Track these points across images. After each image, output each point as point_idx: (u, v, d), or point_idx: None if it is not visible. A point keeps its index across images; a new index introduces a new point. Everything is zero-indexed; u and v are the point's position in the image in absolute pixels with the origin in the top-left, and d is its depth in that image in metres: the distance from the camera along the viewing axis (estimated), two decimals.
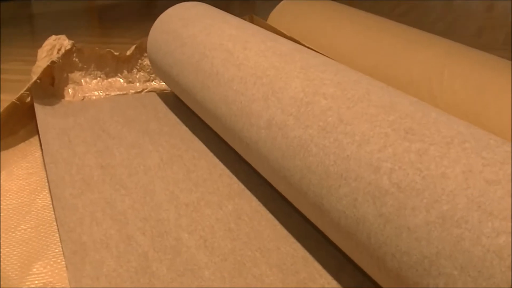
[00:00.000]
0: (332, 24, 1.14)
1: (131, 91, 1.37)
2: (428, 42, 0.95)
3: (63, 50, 1.32)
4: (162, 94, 1.34)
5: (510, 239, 0.43)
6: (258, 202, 0.85)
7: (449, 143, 0.53)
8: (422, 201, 0.50)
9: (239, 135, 0.84)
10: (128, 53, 1.43)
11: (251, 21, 1.34)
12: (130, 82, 1.41)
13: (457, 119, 0.60)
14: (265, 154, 0.76)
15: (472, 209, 0.46)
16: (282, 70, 0.80)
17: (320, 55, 0.87)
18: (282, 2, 1.35)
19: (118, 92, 1.36)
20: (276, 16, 1.32)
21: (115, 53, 1.45)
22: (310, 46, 1.04)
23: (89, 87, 1.35)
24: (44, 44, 1.32)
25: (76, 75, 1.36)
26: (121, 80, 1.42)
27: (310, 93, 0.71)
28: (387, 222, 0.53)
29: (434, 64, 0.88)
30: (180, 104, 1.25)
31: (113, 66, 1.41)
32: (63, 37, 1.31)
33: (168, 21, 1.22)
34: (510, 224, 0.44)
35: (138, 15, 3.17)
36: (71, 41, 1.31)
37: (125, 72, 1.42)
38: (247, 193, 0.88)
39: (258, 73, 0.83)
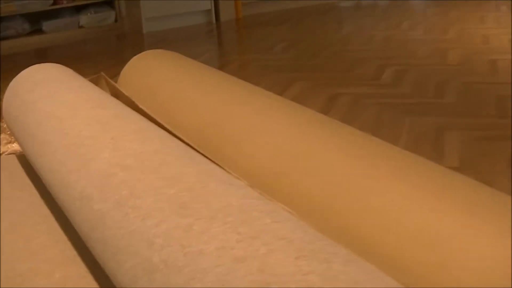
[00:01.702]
0: (171, 82, 1.14)
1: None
2: (247, 98, 0.96)
3: None
4: (21, 157, 1.29)
5: None
6: (86, 269, 0.83)
7: (213, 217, 0.53)
8: (182, 279, 0.50)
9: (63, 204, 0.82)
10: None
11: (98, 81, 1.33)
12: None
13: (236, 187, 0.60)
14: (79, 225, 0.74)
15: None
16: (97, 140, 0.78)
17: (143, 119, 0.86)
18: (134, 58, 1.35)
19: None
20: (128, 72, 1.31)
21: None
22: (143, 108, 1.04)
23: None
24: None
25: None
26: None
27: (113, 165, 0.70)
28: None
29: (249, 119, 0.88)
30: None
31: None
32: None
33: (20, 84, 1.19)
34: None
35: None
36: None
37: None
38: (78, 259, 0.85)
39: (78, 143, 0.81)
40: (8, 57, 3.55)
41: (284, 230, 0.51)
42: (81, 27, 4.00)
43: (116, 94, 1.26)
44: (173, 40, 3.72)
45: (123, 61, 1.44)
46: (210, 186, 0.60)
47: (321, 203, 0.67)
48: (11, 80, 1.26)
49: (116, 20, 4.14)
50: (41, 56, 3.59)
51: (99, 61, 3.20)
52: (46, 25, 3.84)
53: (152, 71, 1.24)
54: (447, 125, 1.86)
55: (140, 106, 1.07)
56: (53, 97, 1.01)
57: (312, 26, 3.72)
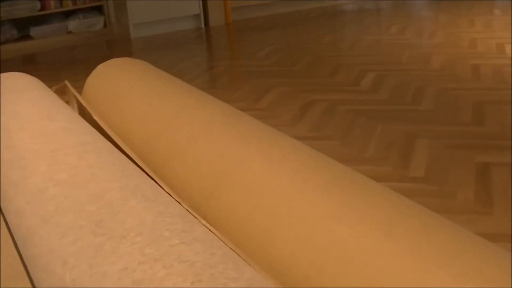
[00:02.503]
0: (129, 92, 1.13)
1: None
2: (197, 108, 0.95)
3: None
4: None
5: None
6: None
7: (124, 237, 0.52)
8: None
9: (6, 218, 0.81)
10: None
11: (62, 90, 1.32)
12: None
13: (157, 203, 0.59)
14: (16, 240, 0.73)
15: None
16: (38, 153, 0.78)
17: (91, 132, 0.85)
18: (99, 66, 1.34)
19: None
20: (92, 81, 1.31)
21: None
22: (96, 118, 1.03)
23: None
24: None
25: None
26: None
27: (46, 179, 0.69)
28: None
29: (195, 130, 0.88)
30: None
31: None
32: None
33: None
34: None
35: None
36: None
37: None
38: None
39: (20, 156, 0.80)
40: None
41: (189, 252, 0.50)
42: (69, 32, 3.99)
43: (79, 104, 1.26)
44: (161, 46, 3.71)
45: None
46: (130, 203, 0.59)
47: (247, 217, 0.66)
48: None
49: (105, 26, 4.13)
50: (29, 62, 3.58)
51: (86, 67, 3.19)
52: (34, 30, 3.84)
53: (113, 81, 1.23)
54: (419, 133, 1.85)
55: (94, 117, 1.07)
56: (6, 108, 1.01)
57: (300, 31, 3.72)
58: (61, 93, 1.39)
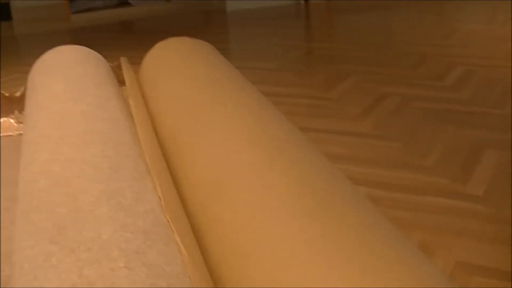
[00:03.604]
0: (171, 76, 1.10)
1: (21, 132, 1.35)
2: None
3: None
4: None
5: None
6: None
7: (74, 250, 0.49)
8: None
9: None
10: (18, 94, 1.41)
11: (118, 67, 1.31)
12: (20, 122, 1.39)
13: (129, 212, 0.56)
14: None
15: None
16: (48, 138, 0.76)
17: (111, 118, 0.83)
18: (157, 44, 1.32)
19: (6, 133, 1.33)
20: (147, 59, 1.29)
21: (6, 94, 1.43)
22: (131, 101, 1.00)
23: None
24: None
25: None
26: (12, 121, 1.39)
27: (41, 170, 0.68)
28: None
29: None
30: None
31: (6, 107, 1.39)
32: None
33: (39, 65, 1.20)
34: None
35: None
36: None
37: (16, 112, 1.39)
38: None
39: (33, 140, 0.79)
40: (94, 27, 3.66)
41: (126, 279, 0.46)
42: (168, 1, 4.04)
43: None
44: (253, 20, 3.67)
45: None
46: (98, 211, 0.56)
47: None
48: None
49: None
50: (126, 28, 3.67)
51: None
52: None
53: (161, 62, 1.21)
54: (492, 142, 1.68)
55: (130, 100, 1.05)
56: (43, 84, 1.01)
57: (401, 14, 3.53)
58: (120, 69, 1.38)
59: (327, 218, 0.54)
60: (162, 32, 3.38)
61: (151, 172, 0.73)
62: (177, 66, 1.16)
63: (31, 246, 0.54)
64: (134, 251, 0.50)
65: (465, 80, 2.23)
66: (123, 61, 1.34)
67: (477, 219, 1.29)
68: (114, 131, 0.82)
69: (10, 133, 1.33)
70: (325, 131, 1.84)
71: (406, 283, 0.45)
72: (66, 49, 1.31)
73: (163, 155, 0.88)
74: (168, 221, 0.61)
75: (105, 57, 1.34)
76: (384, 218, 0.59)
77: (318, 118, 1.95)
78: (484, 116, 1.87)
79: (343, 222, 0.54)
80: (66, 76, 1.07)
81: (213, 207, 0.66)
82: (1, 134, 1.32)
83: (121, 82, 1.30)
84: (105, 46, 2.99)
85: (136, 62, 1.41)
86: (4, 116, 1.39)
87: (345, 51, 2.77)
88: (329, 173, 0.65)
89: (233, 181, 0.67)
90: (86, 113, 0.85)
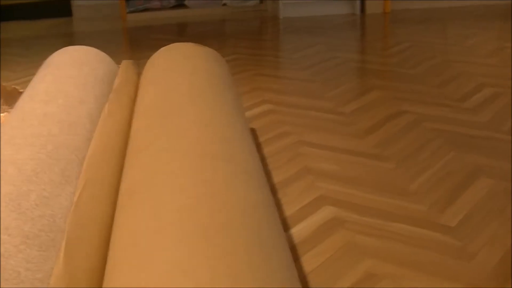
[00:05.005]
0: (159, 82, 1.14)
1: None
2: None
3: None
4: None
5: None
6: None
7: None
8: None
9: None
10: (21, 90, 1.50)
11: (126, 67, 1.36)
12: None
13: (26, 217, 0.61)
14: None
15: None
16: (9, 136, 0.83)
17: (81, 122, 0.89)
18: (162, 48, 1.37)
19: None
20: (150, 62, 1.34)
21: (20, 90, 1.53)
22: (110, 104, 1.05)
23: None
24: None
25: None
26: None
27: (11, 161, 0.74)
28: None
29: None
30: None
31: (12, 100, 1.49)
32: None
33: (50, 60, 1.29)
34: None
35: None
36: None
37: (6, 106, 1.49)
38: None
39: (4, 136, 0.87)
40: (149, 28, 3.78)
41: None
42: (224, 5, 4.11)
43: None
44: (305, 28, 3.66)
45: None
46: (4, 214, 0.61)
47: None
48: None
49: (261, 1, 4.18)
50: (181, 30, 3.77)
51: (228, 42, 3.27)
52: (190, 0, 4.02)
53: (156, 68, 1.25)
54: (491, 170, 1.60)
55: (106, 105, 1.09)
56: (34, 83, 1.09)
57: (450, 28, 3.44)
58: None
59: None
60: (214, 36, 3.43)
61: (80, 178, 0.77)
62: (162, 73, 1.21)
63: None
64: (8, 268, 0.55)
65: (489, 102, 2.16)
66: (124, 64, 1.38)
67: (439, 252, 1.23)
68: (64, 135, 0.87)
69: None
70: (321, 147, 1.82)
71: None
72: (72, 50, 1.37)
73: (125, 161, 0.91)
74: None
75: None
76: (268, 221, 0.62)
77: (322, 132, 1.93)
78: (494, 142, 1.80)
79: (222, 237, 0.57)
80: (54, 76, 1.13)
81: (120, 214, 0.70)
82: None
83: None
84: (158, 47, 3.09)
85: None
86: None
87: (378, 65, 2.74)
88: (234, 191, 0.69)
89: (142, 190, 0.71)
90: (48, 115, 0.91)
